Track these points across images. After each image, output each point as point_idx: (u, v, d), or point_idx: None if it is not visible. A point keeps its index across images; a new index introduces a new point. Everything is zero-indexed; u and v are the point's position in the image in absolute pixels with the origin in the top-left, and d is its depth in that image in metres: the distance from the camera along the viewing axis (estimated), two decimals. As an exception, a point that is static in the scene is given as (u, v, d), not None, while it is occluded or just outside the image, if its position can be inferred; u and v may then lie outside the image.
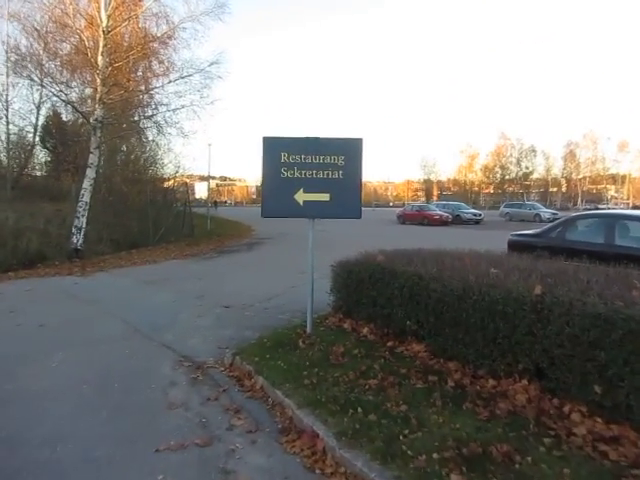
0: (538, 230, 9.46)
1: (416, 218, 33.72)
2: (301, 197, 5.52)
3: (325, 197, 5.52)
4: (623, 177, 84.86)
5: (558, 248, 8.42)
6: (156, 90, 15.98)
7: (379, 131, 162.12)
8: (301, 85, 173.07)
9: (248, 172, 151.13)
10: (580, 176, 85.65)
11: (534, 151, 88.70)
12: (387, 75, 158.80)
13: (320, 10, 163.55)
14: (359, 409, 3.72)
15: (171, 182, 24.64)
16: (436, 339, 4.73)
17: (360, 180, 5.61)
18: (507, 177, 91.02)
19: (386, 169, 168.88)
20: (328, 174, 5.52)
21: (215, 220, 30.60)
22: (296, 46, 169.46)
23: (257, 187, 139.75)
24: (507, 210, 40.35)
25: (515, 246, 9.38)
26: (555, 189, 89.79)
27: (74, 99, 16.21)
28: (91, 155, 14.31)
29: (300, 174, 5.52)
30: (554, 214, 38.24)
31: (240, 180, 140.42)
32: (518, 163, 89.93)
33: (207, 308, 8.07)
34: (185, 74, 15.52)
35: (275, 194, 5.58)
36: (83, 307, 8.25)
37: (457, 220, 33.60)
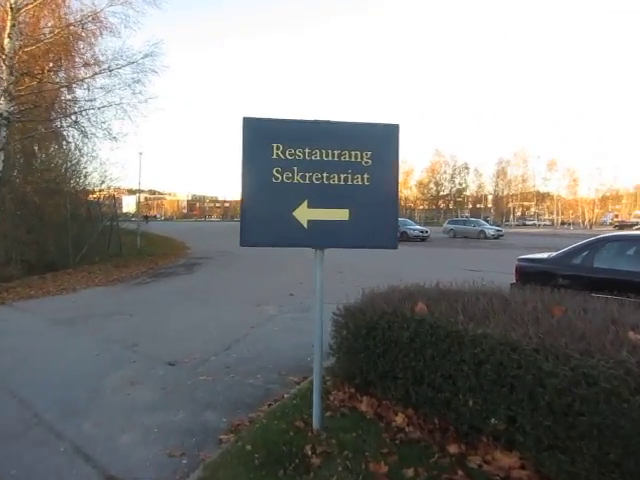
0: (554, 254, 7.83)
1: (362, 235, 32.12)
2: (304, 214, 3.48)
3: (342, 214, 3.51)
4: (545, 194, 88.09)
5: (585, 278, 6.84)
6: (79, 83, 13.44)
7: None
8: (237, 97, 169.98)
9: (179, 185, 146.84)
10: (511, 193, 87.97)
11: (467, 168, 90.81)
12: (315, 87, 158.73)
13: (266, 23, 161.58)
14: None
15: (96, 195, 21.69)
16: (554, 454, 2.80)
17: (396, 188, 3.65)
18: (441, 193, 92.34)
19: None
20: (347, 178, 3.53)
21: (145, 237, 27.70)
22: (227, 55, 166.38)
23: (188, 201, 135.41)
24: (451, 227, 39.65)
25: (527, 274, 7.71)
26: (483, 205, 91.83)
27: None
28: (-7, 159, 11.59)
29: (303, 178, 3.50)
30: (499, 231, 37.94)
31: (170, 194, 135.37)
32: (452, 179, 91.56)
33: (144, 366, 5.80)
34: (114, 66, 13.11)
35: (262, 210, 3.50)
36: (-39, 368, 5.77)
37: (403, 237, 32.26)
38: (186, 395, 4.81)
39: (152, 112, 14.87)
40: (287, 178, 3.48)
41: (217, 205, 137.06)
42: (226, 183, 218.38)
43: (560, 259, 7.58)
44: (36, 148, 18.34)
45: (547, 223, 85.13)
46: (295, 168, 3.49)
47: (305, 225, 3.47)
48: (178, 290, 11.87)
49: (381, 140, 3.59)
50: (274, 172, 3.47)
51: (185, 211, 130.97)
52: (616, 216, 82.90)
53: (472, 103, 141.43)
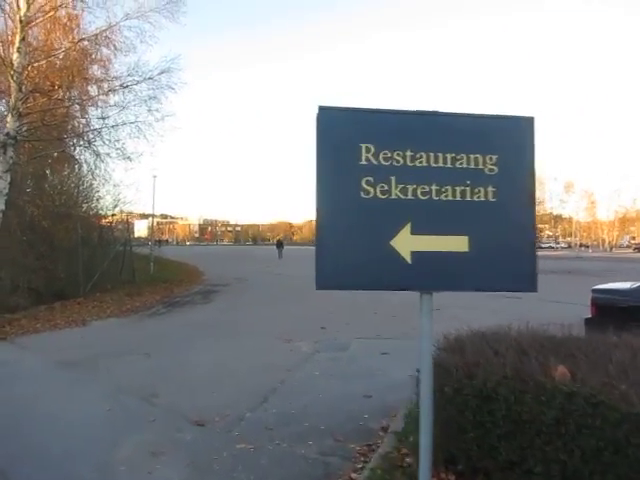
0: (638, 284, 6.74)
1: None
2: (407, 244, 2.44)
3: (459, 244, 2.47)
4: (558, 216, 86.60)
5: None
6: (92, 101, 12.61)
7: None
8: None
9: (190, 209, 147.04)
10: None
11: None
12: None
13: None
14: None
15: (109, 219, 20.78)
16: None
17: (533, 206, 2.61)
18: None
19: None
20: (464, 193, 2.49)
21: (158, 262, 26.70)
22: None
23: (200, 225, 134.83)
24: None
25: (608, 308, 6.61)
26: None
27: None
28: (-1, 180, 10.74)
29: (404, 192, 2.47)
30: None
31: (182, 218, 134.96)
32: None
33: (167, 427, 4.74)
34: (128, 82, 12.29)
35: (347, 238, 2.47)
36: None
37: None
38: (223, 475, 3.73)
39: (168, 131, 13.94)
40: (382, 192, 2.46)
41: (229, 229, 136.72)
42: (237, 207, 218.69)
43: (648, 289, 6.50)
44: (48, 172, 17.58)
45: (564, 246, 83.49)
46: (393, 178, 2.47)
47: (408, 259, 2.43)
48: (197, 322, 10.84)
49: (510, 139, 2.57)
50: (363, 184, 2.45)
51: (197, 235, 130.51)
52: (633, 238, 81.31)
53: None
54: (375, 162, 2.47)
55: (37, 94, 11.46)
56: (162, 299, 14.75)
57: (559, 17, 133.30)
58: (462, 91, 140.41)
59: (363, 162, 2.46)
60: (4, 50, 10.88)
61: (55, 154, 16.43)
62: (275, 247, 43.87)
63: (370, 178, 2.46)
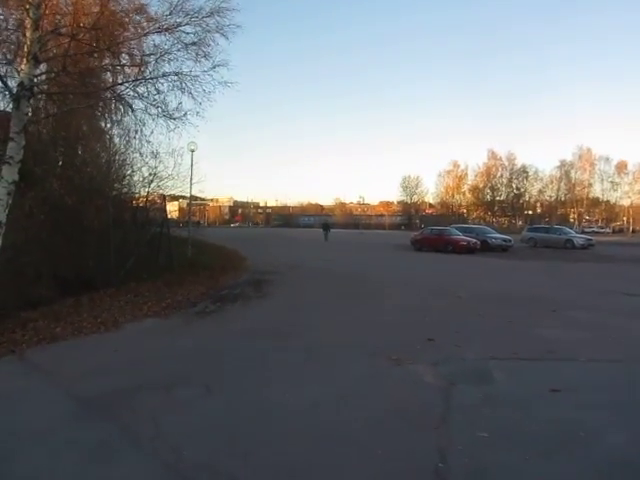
0: None
1: (436, 244, 28.26)
2: None
3: None
4: (595, 200, 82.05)
5: None
6: (124, 45, 10.10)
7: (353, 149, 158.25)
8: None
9: (220, 191, 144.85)
10: (576, 198, 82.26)
11: (526, 172, 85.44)
12: (363, 90, 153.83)
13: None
14: None
15: (143, 197, 18.26)
16: None
17: None
18: (498, 198, 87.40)
19: (360, 190, 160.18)
20: None
21: (195, 245, 24.37)
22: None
23: (230, 207, 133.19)
24: (530, 235, 35.05)
25: None
26: (532, 212, 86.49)
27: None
28: (11, 144, 8.36)
29: None
30: (589, 240, 33.39)
31: (212, 200, 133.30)
32: (509, 184, 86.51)
33: None
34: (169, 24, 9.77)
35: None
36: None
37: (484, 247, 28.22)
38: None
39: (219, 88, 11.17)
40: None
41: (259, 211, 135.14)
42: (266, 189, 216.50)
43: None
44: (80, 144, 15.31)
45: (608, 230, 78.89)
46: None
47: None
48: (259, 328, 8.37)
49: None
50: None
51: (227, 217, 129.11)
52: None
53: (529, 99, 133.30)
54: None
55: (58, 35, 9.05)
56: (207, 291, 12.37)
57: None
58: None
59: None
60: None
61: (84, 127, 14.18)
62: (321, 230, 41.34)
63: None
